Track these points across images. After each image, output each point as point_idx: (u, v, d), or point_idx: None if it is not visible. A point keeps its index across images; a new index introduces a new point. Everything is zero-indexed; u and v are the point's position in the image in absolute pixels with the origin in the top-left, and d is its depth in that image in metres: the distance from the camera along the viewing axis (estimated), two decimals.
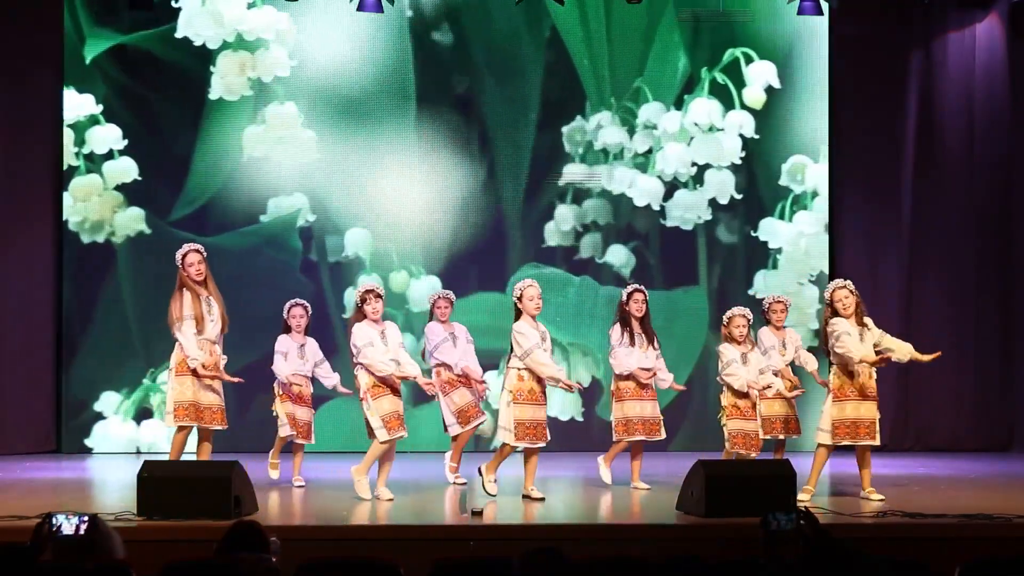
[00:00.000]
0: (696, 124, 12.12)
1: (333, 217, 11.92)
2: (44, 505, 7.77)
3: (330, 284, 11.85)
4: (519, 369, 8.64)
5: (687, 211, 12.13)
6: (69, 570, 4.53)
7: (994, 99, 12.57)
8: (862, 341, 8.64)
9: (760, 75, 12.25)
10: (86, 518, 4.64)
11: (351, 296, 11.15)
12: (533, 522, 7.82)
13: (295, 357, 9.32)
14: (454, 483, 9.41)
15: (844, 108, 12.53)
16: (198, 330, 8.66)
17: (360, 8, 11.59)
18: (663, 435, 9.32)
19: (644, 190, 12.12)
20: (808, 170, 12.24)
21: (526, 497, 8.54)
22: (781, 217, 12.24)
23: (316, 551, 6.33)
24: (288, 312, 9.42)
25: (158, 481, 7.53)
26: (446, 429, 9.43)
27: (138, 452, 11.59)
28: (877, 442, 8.67)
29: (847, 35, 12.52)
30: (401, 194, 11.99)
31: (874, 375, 8.71)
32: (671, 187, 12.13)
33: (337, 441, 10.98)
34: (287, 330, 9.39)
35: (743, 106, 12.18)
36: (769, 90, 12.23)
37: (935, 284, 12.41)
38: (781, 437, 9.71)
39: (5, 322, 11.74)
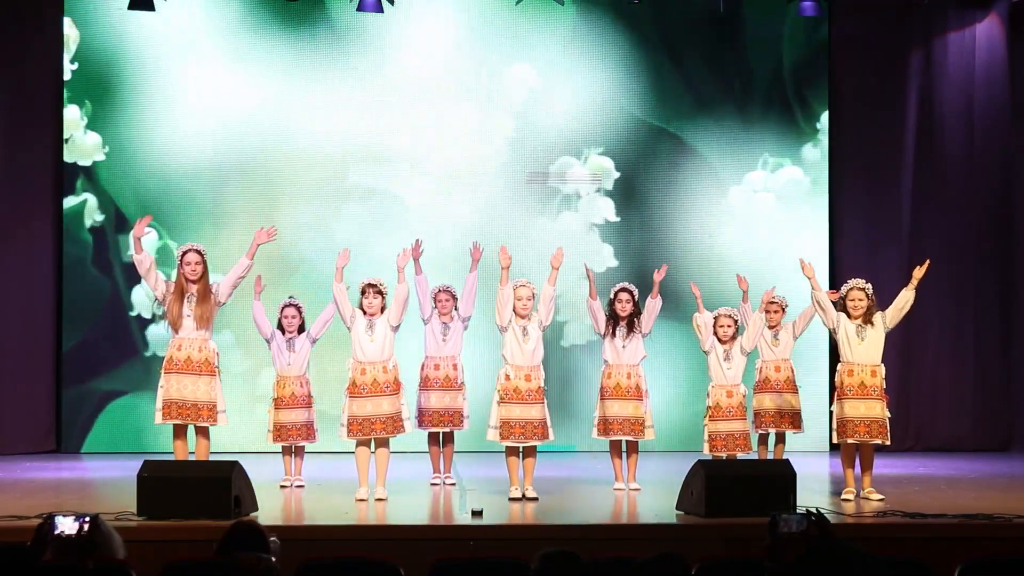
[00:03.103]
0: (463, 125, 12.31)
1: (121, 216, 11.97)
2: (44, 505, 7.78)
3: (123, 282, 11.98)
4: (505, 368, 8.71)
5: (465, 210, 12.26)
6: (69, 570, 4.52)
7: (994, 99, 12.58)
8: (862, 340, 8.68)
9: (518, 77, 12.36)
10: (86, 518, 4.63)
11: (139, 294, 11.85)
12: (532, 522, 7.82)
13: (283, 362, 9.37)
14: (444, 483, 9.43)
15: (844, 108, 12.54)
16: (173, 329, 8.83)
17: (360, 8, 11.63)
18: (647, 436, 9.19)
19: (420, 190, 12.25)
20: (572, 170, 12.36)
21: (523, 497, 8.55)
22: (548, 217, 12.37)
23: (316, 551, 6.34)
24: (281, 312, 9.45)
25: (158, 481, 7.52)
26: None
27: None
28: (880, 440, 8.68)
29: (847, 35, 12.54)
30: (195, 194, 12.02)
31: (878, 373, 8.71)
32: (447, 188, 12.25)
33: (337, 441, 10.99)
34: (281, 330, 9.45)
35: (505, 108, 12.38)
36: (530, 91, 12.34)
37: (935, 284, 12.39)
38: (772, 431, 9.76)
39: (5, 322, 11.75)
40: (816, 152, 12.58)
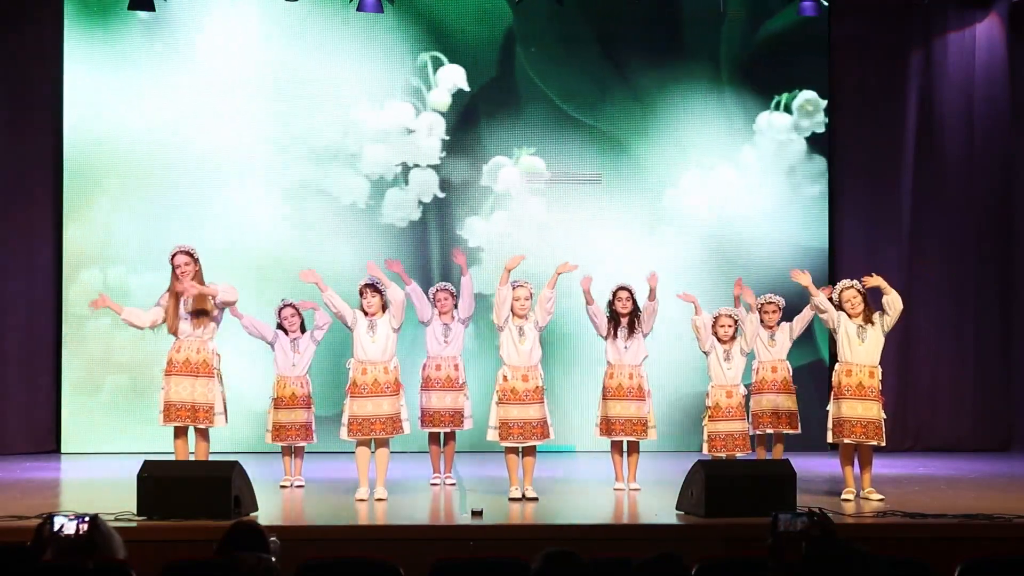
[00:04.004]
0: (396, 125, 12.31)
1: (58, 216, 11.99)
2: (44, 505, 7.79)
3: (64, 278, 11.98)
4: (503, 369, 8.73)
5: (397, 209, 12.26)
6: (69, 570, 4.52)
7: (994, 99, 12.58)
8: (862, 341, 8.68)
9: (448, 78, 12.37)
10: (86, 518, 4.63)
11: (74, 293, 11.80)
12: (532, 522, 7.82)
13: (287, 363, 9.36)
14: (444, 483, 9.44)
15: (844, 108, 12.54)
16: (172, 333, 8.85)
17: (360, 8, 11.64)
18: (649, 436, 9.19)
19: (350, 188, 12.24)
20: (502, 171, 12.39)
21: (523, 498, 8.55)
22: (481, 216, 12.37)
23: (316, 551, 6.34)
24: (279, 314, 9.46)
25: (158, 481, 7.52)
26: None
27: None
28: (876, 442, 8.67)
29: (847, 35, 12.54)
30: (129, 192, 12.02)
31: (876, 374, 8.70)
32: (380, 186, 12.25)
33: (337, 441, 10.99)
34: (283, 331, 9.46)
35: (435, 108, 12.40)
36: (458, 93, 12.34)
37: (935, 283, 12.41)
38: (770, 431, 9.77)
39: (5, 322, 11.75)
40: (753, 154, 12.53)
